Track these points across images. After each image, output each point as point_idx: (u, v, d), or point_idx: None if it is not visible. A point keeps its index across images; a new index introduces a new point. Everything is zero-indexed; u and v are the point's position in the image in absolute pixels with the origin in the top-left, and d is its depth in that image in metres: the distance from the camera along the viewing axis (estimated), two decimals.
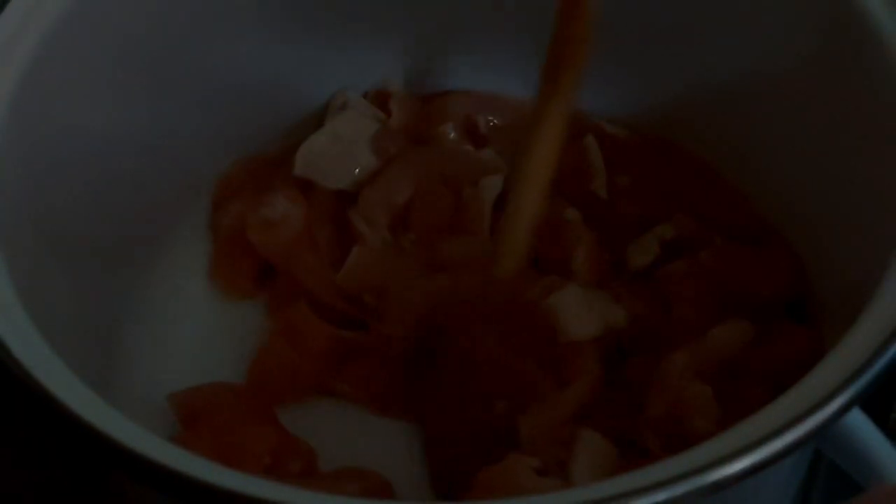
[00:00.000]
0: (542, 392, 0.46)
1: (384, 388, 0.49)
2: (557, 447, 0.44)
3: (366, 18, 0.54)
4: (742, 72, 0.51)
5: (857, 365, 0.35)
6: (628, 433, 0.45)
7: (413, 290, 0.49)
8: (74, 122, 0.46)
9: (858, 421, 0.35)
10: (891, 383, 0.36)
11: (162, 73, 0.50)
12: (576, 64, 0.42)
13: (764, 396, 0.39)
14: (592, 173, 0.52)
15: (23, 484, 0.48)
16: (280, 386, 0.49)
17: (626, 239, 0.51)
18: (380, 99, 0.56)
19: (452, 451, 0.46)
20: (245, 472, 0.33)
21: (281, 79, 0.54)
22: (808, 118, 0.48)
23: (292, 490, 0.33)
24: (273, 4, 0.52)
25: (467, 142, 0.55)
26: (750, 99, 0.51)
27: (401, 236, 0.51)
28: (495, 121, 0.56)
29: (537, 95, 0.43)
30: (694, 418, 0.44)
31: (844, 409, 0.34)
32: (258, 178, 0.54)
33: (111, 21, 0.47)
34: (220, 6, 0.51)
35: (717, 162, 0.54)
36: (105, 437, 0.33)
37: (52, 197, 0.45)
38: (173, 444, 0.35)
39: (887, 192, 0.43)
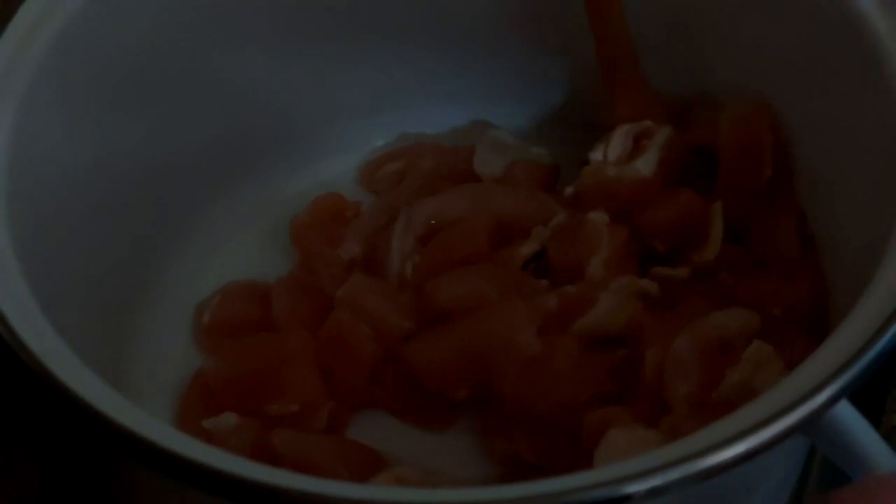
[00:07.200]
0: None
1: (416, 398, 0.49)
2: None
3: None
4: (739, 69, 0.52)
5: (846, 357, 0.36)
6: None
7: None
8: (76, 141, 0.47)
9: (847, 413, 0.36)
10: (883, 382, 0.37)
11: (163, 95, 0.51)
12: None
13: None
14: (708, 242, 0.50)
15: (28, 469, 0.49)
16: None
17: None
18: None
19: None
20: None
21: (282, 106, 0.56)
22: (807, 114, 0.49)
23: (291, 475, 0.33)
24: (277, 27, 0.53)
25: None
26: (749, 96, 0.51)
27: (411, 254, 0.51)
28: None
29: None
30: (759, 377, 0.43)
31: (833, 400, 0.35)
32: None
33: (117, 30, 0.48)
34: (223, 28, 0.52)
35: None
36: (107, 419, 0.34)
37: (62, 203, 0.46)
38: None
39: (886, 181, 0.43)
